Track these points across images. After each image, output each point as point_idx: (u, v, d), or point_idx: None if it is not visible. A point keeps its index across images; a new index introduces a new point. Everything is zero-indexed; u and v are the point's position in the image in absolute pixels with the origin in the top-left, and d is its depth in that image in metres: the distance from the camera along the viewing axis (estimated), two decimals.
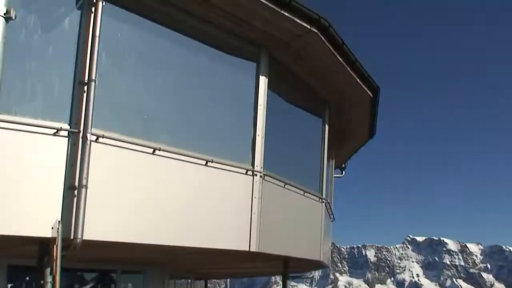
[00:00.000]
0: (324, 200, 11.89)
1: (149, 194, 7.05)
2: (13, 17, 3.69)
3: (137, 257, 9.37)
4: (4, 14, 3.65)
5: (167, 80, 7.91)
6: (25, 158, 5.83)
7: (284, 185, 9.68)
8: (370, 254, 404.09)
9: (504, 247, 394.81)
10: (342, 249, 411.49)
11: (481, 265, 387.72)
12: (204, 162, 7.79)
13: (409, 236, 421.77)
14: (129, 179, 6.84)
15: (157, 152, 7.07)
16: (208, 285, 24.90)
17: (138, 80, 7.45)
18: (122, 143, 6.68)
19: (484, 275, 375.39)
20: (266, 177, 8.92)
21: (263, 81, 8.98)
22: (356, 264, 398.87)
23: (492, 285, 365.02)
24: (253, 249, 8.48)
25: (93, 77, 6.27)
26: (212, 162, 7.89)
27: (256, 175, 8.68)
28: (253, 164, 8.70)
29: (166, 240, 7.25)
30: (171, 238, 7.33)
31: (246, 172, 8.57)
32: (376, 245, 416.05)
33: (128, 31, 7.24)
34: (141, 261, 10.12)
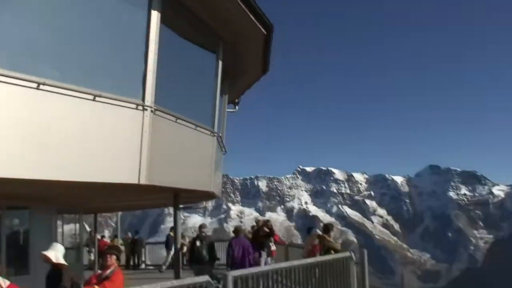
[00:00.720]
0: (216, 134, 12.09)
1: (33, 129, 6.87)
2: None
3: (23, 192, 9.15)
4: None
5: (55, 15, 7.54)
6: None
7: (176, 120, 9.74)
8: (262, 184, 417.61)
9: (387, 176, 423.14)
10: (235, 181, 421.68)
11: (365, 192, 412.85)
12: (91, 97, 7.64)
13: (299, 167, 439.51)
14: (13, 114, 6.61)
15: (41, 87, 6.84)
16: (99, 219, 24.81)
17: (23, 14, 7.06)
18: (4, 77, 6.41)
19: (368, 201, 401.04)
20: (157, 112, 8.92)
21: (155, 16, 8.78)
22: (249, 194, 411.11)
23: (374, 210, 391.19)
24: (143, 182, 8.57)
25: None
26: (100, 97, 7.75)
27: (146, 109, 8.65)
28: (143, 99, 8.64)
29: (52, 175, 7.15)
30: (57, 172, 7.23)
31: (137, 107, 8.52)
32: (268, 176, 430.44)
33: None
34: (27, 197, 9.90)
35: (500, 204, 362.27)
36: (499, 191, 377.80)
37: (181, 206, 14.16)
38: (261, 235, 16.12)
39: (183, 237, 21.53)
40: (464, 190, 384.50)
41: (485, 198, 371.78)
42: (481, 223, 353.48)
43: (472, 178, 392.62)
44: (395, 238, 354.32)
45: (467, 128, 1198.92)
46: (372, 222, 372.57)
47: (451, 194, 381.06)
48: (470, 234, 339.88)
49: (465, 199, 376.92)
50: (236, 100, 17.77)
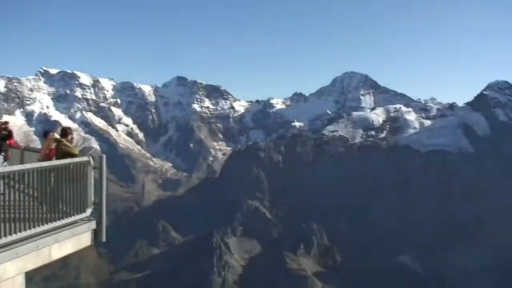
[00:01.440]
0: None
1: None
2: None
3: None
4: None
5: None
6: None
7: None
8: (0, 84, 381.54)
9: (135, 84, 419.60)
10: None
11: (112, 100, 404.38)
12: None
13: (42, 68, 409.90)
14: None
15: None
16: None
17: None
18: None
19: (114, 109, 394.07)
20: None
21: None
22: None
23: (120, 119, 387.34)
24: None
25: None
26: None
27: None
28: None
29: None
30: None
31: None
32: (7, 76, 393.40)
33: None
34: None
35: (240, 119, 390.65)
36: (239, 106, 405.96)
37: None
38: None
39: None
40: (207, 103, 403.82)
41: (226, 112, 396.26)
42: (221, 136, 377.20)
43: (216, 92, 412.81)
44: (139, 147, 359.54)
45: (216, 43, 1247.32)
46: (117, 130, 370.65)
47: (195, 106, 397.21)
48: (210, 145, 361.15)
49: (208, 112, 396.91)
50: None
